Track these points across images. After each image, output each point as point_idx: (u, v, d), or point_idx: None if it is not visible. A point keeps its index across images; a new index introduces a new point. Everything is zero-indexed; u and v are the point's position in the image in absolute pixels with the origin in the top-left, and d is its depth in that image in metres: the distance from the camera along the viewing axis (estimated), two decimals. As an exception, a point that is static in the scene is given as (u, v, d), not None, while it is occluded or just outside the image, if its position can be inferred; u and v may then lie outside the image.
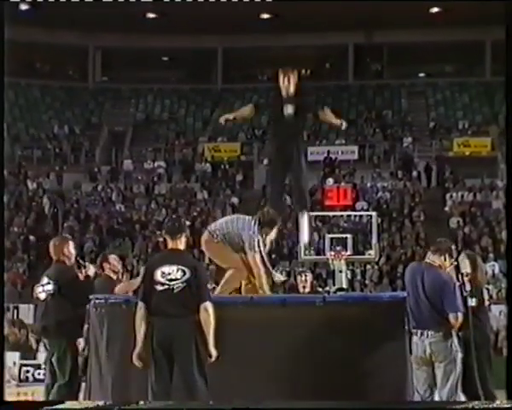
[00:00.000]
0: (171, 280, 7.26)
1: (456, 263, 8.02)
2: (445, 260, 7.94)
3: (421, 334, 7.75)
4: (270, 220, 8.71)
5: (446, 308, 7.76)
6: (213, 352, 7.22)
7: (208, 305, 7.21)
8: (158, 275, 7.29)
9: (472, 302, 8.00)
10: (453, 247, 8.10)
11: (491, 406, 7.38)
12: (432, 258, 7.96)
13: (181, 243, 7.47)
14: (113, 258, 9.47)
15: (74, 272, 8.79)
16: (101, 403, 7.66)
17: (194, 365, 7.16)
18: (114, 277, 9.35)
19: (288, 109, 9.40)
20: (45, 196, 30.20)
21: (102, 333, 8.19)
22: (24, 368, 15.46)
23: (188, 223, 7.91)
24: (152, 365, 7.25)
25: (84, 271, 8.86)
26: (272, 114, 9.68)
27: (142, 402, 7.41)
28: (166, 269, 7.29)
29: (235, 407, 7.22)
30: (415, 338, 7.81)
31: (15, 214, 28.89)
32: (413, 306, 7.83)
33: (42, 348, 13.77)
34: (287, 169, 9.46)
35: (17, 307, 21.75)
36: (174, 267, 7.28)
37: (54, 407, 7.67)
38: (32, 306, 20.62)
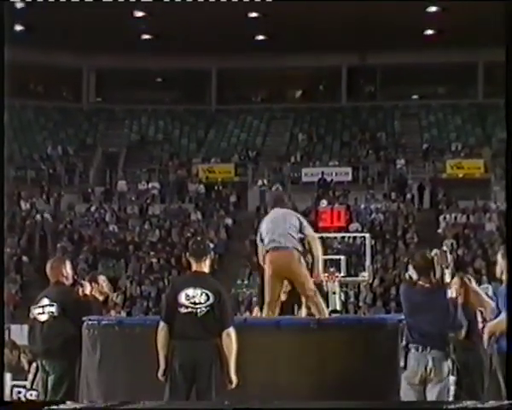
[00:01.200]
0: (195, 303, 7.24)
1: (448, 282, 8.02)
2: (434, 276, 7.93)
3: (424, 349, 7.72)
4: None
5: (445, 327, 7.76)
6: (234, 378, 7.22)
7: (231, 331, 7.22)
8: (182, 297, 7.26)
9: (464, 324, 8.00)
10: (439, 263, 8.07)
11: (490, 406, 7.38)
12: (422, 278, 7.97)
13: (205, 266, 7.45)
14: (101, 279, 9.43)
15: (76, 293, 8.78)
16: (100, 403, 7.65)
17: (213, 389, 7.17)
18: (101, 298, 9.30)
19: None
20: (38, 217, 30.16)
21: (95, 355, 8.15)
22: (15, 389, 15.36)
23: (211, 245, 7.84)
24: (168, 384, 7.24)
25: (81, 289, 8.84)
26: None
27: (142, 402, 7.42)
28: (191, 292, 7.27)
29: (236, 407, 7.23)
30: (415, 354, 7.76)
31: (8, 235, 28.81)
32: (412, 323, 7.81)
33: (33, 369, 13.71)
34: None
35: (9, 328, 21.61)
36: (198, 291, 7.27)
37: (54, 407, 7.66)
38: (25, 326, 20.53)
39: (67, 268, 8.83)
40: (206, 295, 7.25)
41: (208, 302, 7.23)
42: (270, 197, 8.93)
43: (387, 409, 7.57)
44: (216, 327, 7.20)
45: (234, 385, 7.21)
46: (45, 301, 8.59)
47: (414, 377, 7.69)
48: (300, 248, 8.67)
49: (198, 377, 7.17)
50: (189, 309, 7.22)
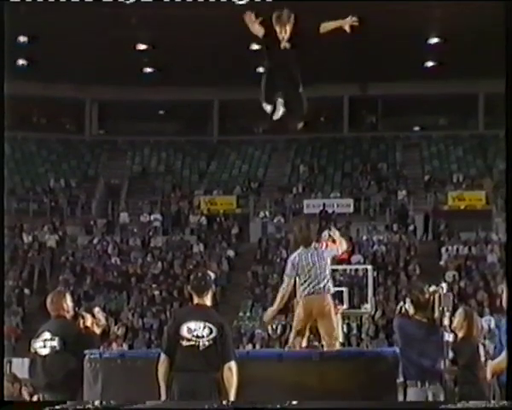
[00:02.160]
0: (197, 337, 7.26)
1: (447, 316, 8.00)
2: (432, 312, 7.93)
3: (422, 384, 7.71)
4: None
5: (442, 362, 7.75)
6: None
7: (233, 364, 7.22)
8: (184, 330, 7.28)
9: (464, 358, 8.00)
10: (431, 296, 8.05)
11: (491, 406, 7.35)
12: (419, 313, 7.96)
13: (207, 299, 7.47)
14: (96, 311, 9.40)
15: (77, 327, 8.77)
16: (100, 403, 7.62)
17: None
18: (98, 331, 9.27)
19: None
20: (40, 249, 30.17)
21: (97, 388, 8.13)
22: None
23: (213, 277, 7.88)
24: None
25: (82, 322, 8.83)
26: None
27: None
28: (193, 325, 7.29)
29: (236, 407, 7.21)
30: (414, 389, 7.74)
31: (10, 267, 28.80)
32: (408, 358, 7.80)
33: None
34: None
35: (10, 361, 21.55)
36: (201, 324, 7.28)
37: (54, 407, 7.64)
38: (26, 360, 20.46)
39: (68, 301, 8.82)
40: (209, 328, 7.26)
41: (211, 336, 7.24)
42: (299, 234, 9.22)
43: (387, 409, 7.55)
44: (217, 360, 7.21)
45: None
46: (46, 334, 8.58)
47: None
48: (332, 288, 9.10)
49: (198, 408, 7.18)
50: (191, 342, 7.23)
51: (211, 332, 7.25)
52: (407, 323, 8.07)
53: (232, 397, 7.18)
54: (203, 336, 7.24)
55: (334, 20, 9.32)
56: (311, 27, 8.95)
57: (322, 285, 9.00)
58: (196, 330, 7.26)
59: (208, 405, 7.18)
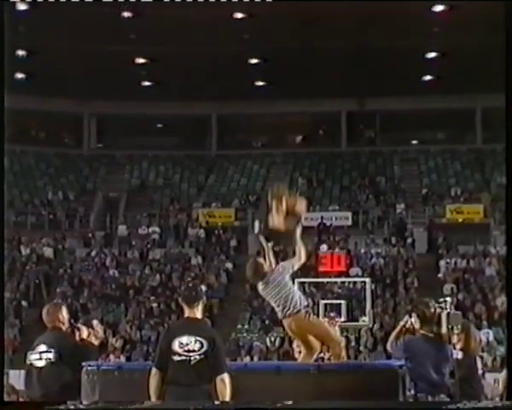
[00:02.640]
0: (188, 351, 7.25)
1: (449, 330, 8.01)
2: (439, 327, 7.94)
3: (432, 398, 7.72)
4: None
5: (449, 375, 7.78)
6: None
7: (225, 376, 7.22)
8: (175, 345, 7.27)
9: (462, 370, 8.01)
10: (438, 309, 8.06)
11: (491, 406, 7.35)
12: (424, 328, 7.97)
13: (198, 312, 7.46)
14: (95, 323, 9.41)
15: (73, 339, 8.77)
16: (101, 403, 7.61)
17: None
18: (96, 342, 9.27)
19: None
20: (38, 262, 30.16)
21: (94, 400, 8.12)
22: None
23: (204, 289, 7.92)
24: None
25: (78, 334, 8.83)
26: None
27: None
28: (184, 340, 7.28)
29: (236, 407, 7.22)
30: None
31: (8, 279, 28.79)
32: (417, 372, 7.80)
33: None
34: None
35: (7, 373, 21.50)
36: (192, 338, 7.27)
37: (54, 407, 7.63)
38: (23, 372, 20.42)
39: (63, 313, 8.83)
40: (200, 342, 7.26)
41: (202, 350, 7.24)
42: (252, 273, 9.02)
43: (387, 409, 7.55)
44: (209, 374, 7.21)
45: None
46: (42, 347, 8.59)
47: None
48: (303, 301, 8.89)
49: None
50: (183, 357, 7.23)
51: (202, 346, 7.24)
52: (413, 339, 8.09)
53: None
54: (194, 351, 7.24)
55: None
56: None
57: (291, 306, 8.83)
58: (188, 345, 7.25)
59: (208, 404, 7.20)
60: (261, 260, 8.93)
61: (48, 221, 33.63)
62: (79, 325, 9.06)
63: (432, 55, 31.50)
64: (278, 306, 8.85)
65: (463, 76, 30.89)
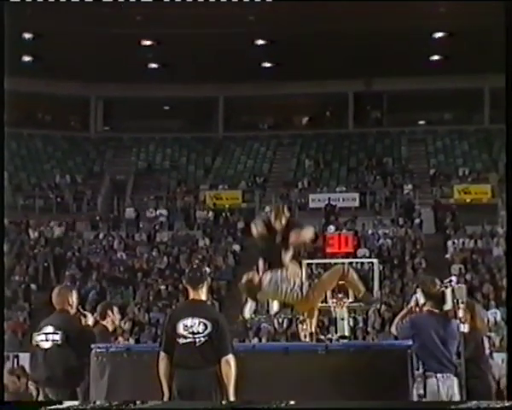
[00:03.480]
0: (193, 333, 7.31)
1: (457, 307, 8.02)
2: (444, 304, 7.95)
3: (442, 376, 7.74)
4: None
5: (456, 353, 7.79)
6: None
7: (230, 358, 7.26)
8: (180, 328, 7.34)
9: (468, 350, 8.02)
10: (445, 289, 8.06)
11: (491, 406, 7.37)
12: (429, 303, 7.98)
13: (202, 293, 7.52)
14: (116, 310, 9.46)
15: (80, 322, 8.80)
16: (100, 403, 7.64)
17: None
18: (111, 328, 9.31)
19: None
20: (46, 245, 30.24)
21: (103, 382, 8.16)
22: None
23: (208, 271, 7.99)
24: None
25: (84, 320, 8.86)
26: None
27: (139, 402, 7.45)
28: (189, 322, 7.34)
29: (235, 407, 7.25)
30: (435, 381, 7.75)
31: (17, 263, 28.89)
32: (425, 350, 7.81)
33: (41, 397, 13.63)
34: None
35: (17, 356, 21.63)
36: (196, 320, 7.33)
37: (53, 406, 7.67)
38: (21, 354, 20.54)
39: (73, 297, 8.86)
40: (204, 324, 7.31)
41: (206, 331, 7.29)
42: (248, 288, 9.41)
43: (387, 409, 7.57)
44: (214, 355, 7.26)
45: None
46: (49, 328, 8.61)
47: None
48: (304, 288, 9.17)
49: (196, 404, 7.22)
50: (188, 339, 7.29)
51: (206, 328, 7.29)
52: (419, 315, 8.11)
53: (232, 390, 7.22)
54: (199, 333, 7.29)
55: None
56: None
57: (295, 295, 9.02)
58: (192, 327, 7.31)
59: (208, 404, 7.23)
60: (251, 273, 9.12)
61: (55, 204, 33.69)
62: (84, 311, 9.11)
63: (439, 34, 31.37)
64: (287, 295, 8.97)
65: (471, 56, 30.74)
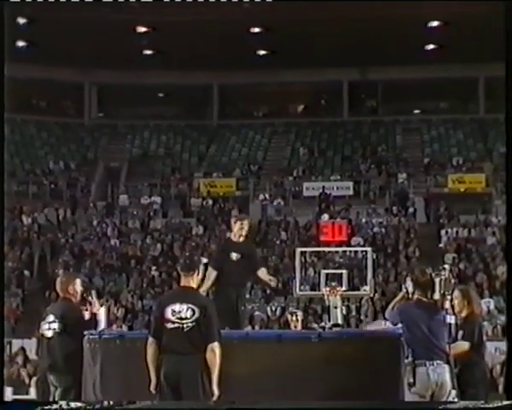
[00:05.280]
0: (181, 319, 7.37)
1: (449, 298, 8.03)
2: (433, 293, 7.97)
3: (431, 364, 7.75)
4: None
5: (446, 340, 7.80)
6: (216, 391, 7.31)
7: (216, 345, 7.30)
8: (168, 313, 7.39)
9: (469, 337, 8.05)
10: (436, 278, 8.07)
11: (491, 406, 7.39)
12: (418, 292, 8.00)
13: (193, 281, 7.57)
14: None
15: (79, 311, 8.85)
16: (100, 403, 7.65)
17: (199, 402, 7.23)
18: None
19: (233, 256, 10.10)
20: (39, 231, 30.20)
21: (96, 368, 8.17)
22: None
23: (204, 260, 8.06)
24: (157, 398, 7.34)
25: (89, 308, 8.89)
26: (220, 255, 10.25)
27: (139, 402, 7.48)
28: (177, 307, 7.40)
29: (235, 407, 7.28)
30: (424, 369, 7.76)
31: (10, 249, 28.83)
32: (413, 338, 7.82)
33: (33, 383, 13.67)
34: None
35: (10, 343, 21.62)
36: (184, 306, 7.38)
37: (53, 406, 7.70)
38: (26, 341, 20.56)
39: (76, 285, 8.92)
40: (192, 310, 7.35)
41: (194, 317, 7.33)
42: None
43: (387, 409, 7.59)
44: (202, 342, 7.29)
45: (215, 398, 7.27)
46: (51, 317, 8.75)
47: (426, 391, 7.72)
48: None
49: (183, 390, 7.25)
50: (176, 324, 7.34)
51: (193, 314, 7.34)
52: (407, 303, 8.13)
53: (215, 378, 7.25)
54: (186, 318, 7.34)
55: None
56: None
57: None
58: (180, 313, 7.36)
59: (207, 404, 7.23)
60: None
61: (49, 191, 33.62)
62: (93, 299, 9.10)
63: (434, 23, 31.31)
64: None
65: (466, 45, 30.72)
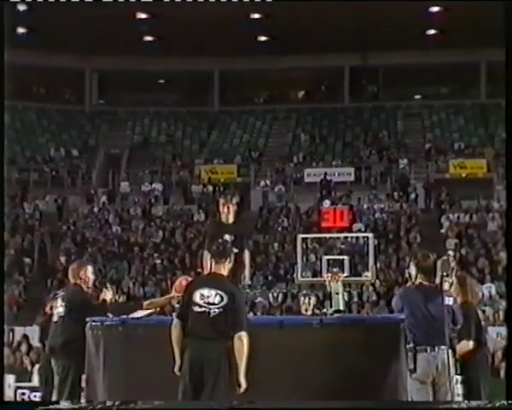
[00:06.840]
0: (208, 303, 7.35)
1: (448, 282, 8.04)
2: (434, 278, 7.97)
3: (432, 349, 7.74)
4: None
5: (448, 325, 7.80)
6: (243, 382, 7.24)
7: (243, 334, 7.25)
8: (197, 297, 7.38)
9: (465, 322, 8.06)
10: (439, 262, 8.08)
11: (491, 406, 7.40)
12: (421, 276, 8.00)
13: (224, 269, 7.56)
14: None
15: (86, 296, 8.91)
16: (100, 403, 7.67)
17: (220, 391, 7.18)
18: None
19: (227, 239, 9.82)
20: (41, 218, 30.21)
21: (98, 355, 8.18)
22: (19, 390, 15.41)
23: (235, 250, 8.07)
24: (181, 382, 7.29)
25: (102, 295, 8.94)
26: (210, 238, 9.94)
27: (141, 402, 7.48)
28: (206, 292, 7.38)
29: (235, 407, 7.26)
30: (425, 354, 7.76)
31: (11, 237, 28.84)
32: (415, 323, 7.82)
33: (36, 370, 13.69)
34: None
35: (12, 330, 21.66)
36: (213, 291, 7.37)
37: (53, 406, 7.73)
38: (28, 328, 20.59)
39: (87, 272, 9.03)
40: (220, 296, 7.33)
41: (222, 303, 7.31)
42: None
43: (387, 409, 7.58)
44: (227, 329, 7.25)
45: (243, 389, 7.22)
46: (59, 301, 8.92)
47: (427, 377, 7.71)
48: None
49: (206, 377, 7.20)
50: (203, 309, 7.32)
51: (222, 300, 7.32)
52: (408, 287, 8.14)
53: (242, 369, 7.20)
54: (214, 303, 7.32)
55: None
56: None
57: None
58: (208, 297, 7.34)
59: (208, 405, 7.21)
60: None
61: (50, 178, 33.61)
62: (107, 287, 9.15)
63: (435, 9, 31.21)
64: None
65: (467, 30, 30.60)
